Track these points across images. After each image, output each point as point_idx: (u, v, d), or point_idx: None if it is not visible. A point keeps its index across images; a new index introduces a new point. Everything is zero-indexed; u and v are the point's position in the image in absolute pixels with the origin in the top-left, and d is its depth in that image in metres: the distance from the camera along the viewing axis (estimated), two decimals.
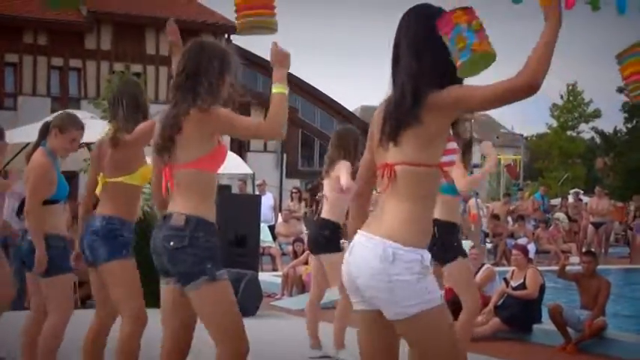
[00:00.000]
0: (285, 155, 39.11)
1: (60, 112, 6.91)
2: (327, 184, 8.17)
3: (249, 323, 8.46)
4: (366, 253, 3.60)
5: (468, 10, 3.60)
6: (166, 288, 4.67)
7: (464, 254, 6.99)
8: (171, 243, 4.47)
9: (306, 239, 15.51)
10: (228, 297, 4.68)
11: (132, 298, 5.65)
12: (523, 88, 3.41)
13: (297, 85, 42.04)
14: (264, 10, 5.03)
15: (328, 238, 8.09)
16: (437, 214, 6.11)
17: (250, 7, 4.99)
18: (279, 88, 4.58)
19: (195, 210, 4.50)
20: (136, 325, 5.60)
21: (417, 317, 3.56)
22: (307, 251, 14.58)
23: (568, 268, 10.52)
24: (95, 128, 10.97)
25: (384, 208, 3.67)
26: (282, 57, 4.62)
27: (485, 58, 3.59)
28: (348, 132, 8.41)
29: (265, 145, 39.01)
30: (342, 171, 7.62)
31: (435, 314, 3.62)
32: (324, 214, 8.25)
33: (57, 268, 6.03)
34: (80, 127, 6.30)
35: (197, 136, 4.53)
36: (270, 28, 5.89)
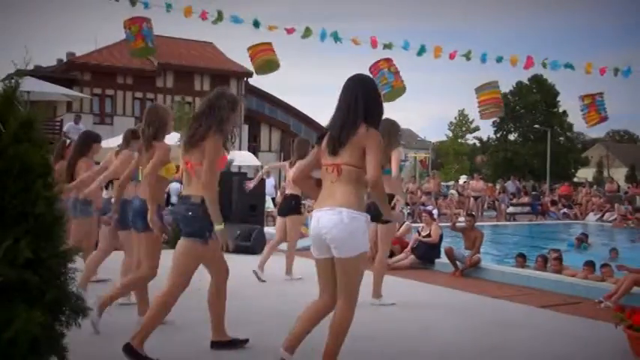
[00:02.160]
0: (282, 153, 39.02)
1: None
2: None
3: (257, 259, 8.46)
4: (332, 218, 3.62)
5: (388, 60, 3.70)
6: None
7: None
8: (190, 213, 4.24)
9: None
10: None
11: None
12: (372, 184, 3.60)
13: (291, 110, 41.99)
14: (268, 52, 5.01)
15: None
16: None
17: (260, 52, 4.98)
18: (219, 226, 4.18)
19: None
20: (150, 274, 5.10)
21: (355, 257, 3.63)
22: None
23: (457, 224, 10.56)
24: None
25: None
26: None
27: (399, 91, 3.68)
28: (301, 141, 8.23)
29: (270, 147, 38.95)
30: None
31: (364, 257, 3.71)
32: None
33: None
34: None
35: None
36: (275, 62, 5.84)
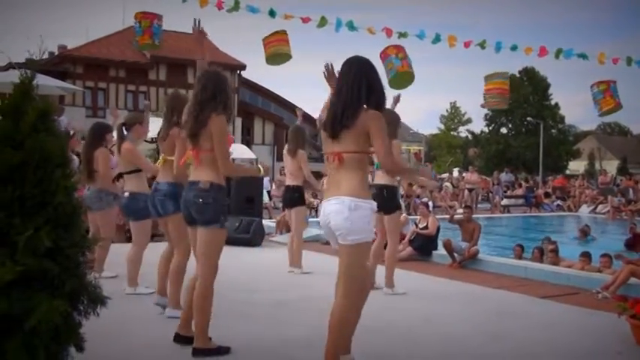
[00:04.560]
0: (276, 146, 39.03)
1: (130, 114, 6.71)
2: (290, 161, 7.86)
3: (257, 251, 8.49)
4: (336, 207, 3.55)
5: (397, 46, 3.68)
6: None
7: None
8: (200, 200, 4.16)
9: None
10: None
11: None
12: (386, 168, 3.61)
13: (284, 102, 41.94)
14: (281, 42, 4.98)
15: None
16: (386, 180, 6.09)
17: (273, 42, 4.96)
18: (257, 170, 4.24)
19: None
20: (184, 257, 5.14)
21: (358, 245, 3.55)
22: None
23: (455, 216, 10.59)
24: (155, 129, 10.85)
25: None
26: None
27: (406, 76, 3.66)
28: (297, 129, 7.98)
29: (263, 140, 38.94)
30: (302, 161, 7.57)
31: (367, 247, 3.66)
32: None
33: (144, 215, 5.80)
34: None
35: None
36: (287, 54, 5.83)
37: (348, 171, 3.58)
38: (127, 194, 5.96)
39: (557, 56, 7.41)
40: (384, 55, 3.67)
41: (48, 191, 2.23)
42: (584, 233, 13.34)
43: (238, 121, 35.17)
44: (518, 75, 51.37)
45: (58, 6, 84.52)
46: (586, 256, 8.69)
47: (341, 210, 3.51)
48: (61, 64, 32.86)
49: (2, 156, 2.18)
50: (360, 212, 3.51)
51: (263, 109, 40.24)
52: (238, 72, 36.74)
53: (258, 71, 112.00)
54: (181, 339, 4.39)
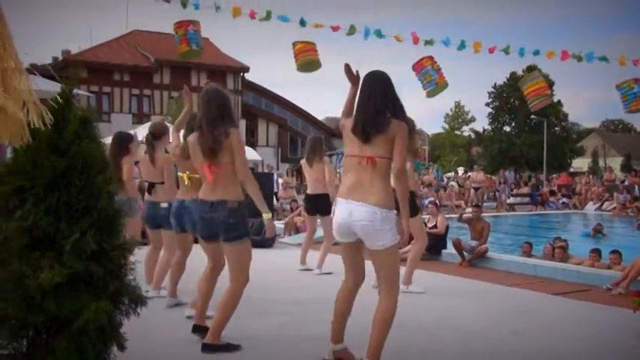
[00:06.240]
0: (280, 148, 39.14)
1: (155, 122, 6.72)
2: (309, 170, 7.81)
3: (268, 252, 8.55)
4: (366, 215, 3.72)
5: (431, 57, 3.79)
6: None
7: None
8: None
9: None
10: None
11: None
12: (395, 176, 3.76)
13: (287, 104, 42.02)
14: (311, 52, 5.09)
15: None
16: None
17: (305, 51, 5.07)
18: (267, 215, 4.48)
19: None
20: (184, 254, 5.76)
21: (387, 249, 3.75)
22: (300, 207, 14.49)
23: (464, 215, 10.65)
24: None
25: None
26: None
27: (442, 87, 3.79)
28: (316, 139, 7.89)
29: (267, 141, 39.03)
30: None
31: (396, 248, 3.83)
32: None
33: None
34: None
35: None
36: (318, 63, 5.97)
37: (379, 177, 3.76)
38: (164, 205, 6.01)
39: (579, 60, 7.50)
40: (419, 66, 3.83)
41: (92, 196, 2.32)
42: (596, 231, 13.42)
43: (242, 123, 35.25)
44: (522, 73, 51.31)
45: (61, 11, 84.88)
46: (596, 252, 8.76)
47: (372, 220, 3.70)
48: (65, 69, 33.00)
49: (48, 163, 2.27)
50: (388, 222, 3.73)
51: (267, 111, 40.34)
52: (242, 74, 36.87)
53: (261, 73, 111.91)
54: (199, 329, 4.62)
